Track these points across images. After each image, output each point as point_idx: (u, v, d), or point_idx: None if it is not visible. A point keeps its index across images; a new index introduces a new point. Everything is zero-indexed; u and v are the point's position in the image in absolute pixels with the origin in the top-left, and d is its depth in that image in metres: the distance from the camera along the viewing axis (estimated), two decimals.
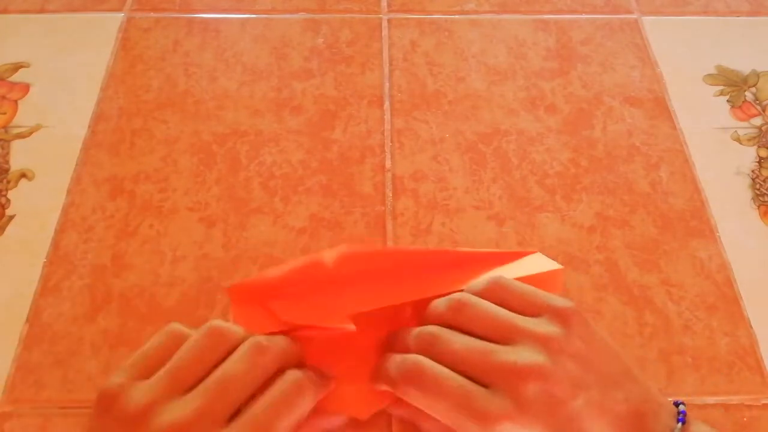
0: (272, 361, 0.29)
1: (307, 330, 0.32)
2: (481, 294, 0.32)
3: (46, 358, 0.36)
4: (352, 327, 0.31)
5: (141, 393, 0.27)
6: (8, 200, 0.42)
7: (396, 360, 0.31)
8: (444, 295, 0.32)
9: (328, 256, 0.34)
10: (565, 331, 0.30)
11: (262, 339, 0.29)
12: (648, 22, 0.52)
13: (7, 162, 0.43)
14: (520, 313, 0.31)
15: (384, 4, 0.53)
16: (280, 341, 0.30)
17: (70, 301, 0.38)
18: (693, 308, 0.38)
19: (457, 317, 0.31)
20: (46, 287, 0.38)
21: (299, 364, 0.31)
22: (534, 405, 0.28)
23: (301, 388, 0.29)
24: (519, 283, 0.33)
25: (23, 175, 0.43)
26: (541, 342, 0.30)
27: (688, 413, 0.29)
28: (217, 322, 0.30)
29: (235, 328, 0.30)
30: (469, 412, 0.28)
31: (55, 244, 0.40)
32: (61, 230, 0.40)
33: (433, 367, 0.29)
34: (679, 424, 0.28)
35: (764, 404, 0.35)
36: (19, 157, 0.44)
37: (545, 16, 0.52)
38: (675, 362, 0.36)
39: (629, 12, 0.53)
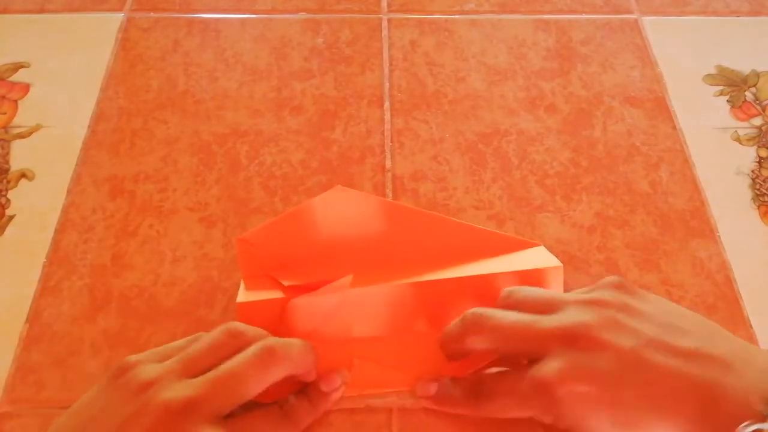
0: (281, 368, 0.29)
1: (309, 289, 0.33)
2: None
3: (46, 358, 0.36)
4: (348, 280, 0.33)
5: (151, 369, 0.28)
6: (8, 200, 0.42)
7: (456, 320, 0.32)
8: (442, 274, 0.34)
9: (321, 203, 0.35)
10: (614, 293, 0.30)
11: (274, 343, 0.29)
12: (648, 22, 0.52)
13: (7, 162, 0.43)
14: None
15: (384, 4, 0.53)
16: (293, 348, 0.30)
17: (70, 301, 0.38)
18: (693, 308, 0.38)
19: (504, 301, 0.32)
20: (46, 287, 0.38)
21: (310, 373, 0.32)
22: (585, 358, 0.27)
23: (273, 353, 0.29)
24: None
25: (23, 175, 0.43)
26: (587, 303, 0.29)
27: None
28: (236, 324, 0.31)
29: (253, 330, 0.31)
30: (520, 385, 0.29)
31: (55, 244, 0.40)
32: (61, 230, 0.40)
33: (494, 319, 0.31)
34: None
35: None
36: (19, 157, 0.44)
37: (545, 16, 0.52)
38: None
39: (629, 12, 0.53)
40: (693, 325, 0.28)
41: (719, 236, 0.41)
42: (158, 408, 0.26)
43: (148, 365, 0.28)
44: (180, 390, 0.27)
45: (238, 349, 0.29)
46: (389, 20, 0.52)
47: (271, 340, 0.30)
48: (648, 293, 0.31)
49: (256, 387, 0.28)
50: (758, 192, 0.43)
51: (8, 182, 0.43)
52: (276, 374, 0.29)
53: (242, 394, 0.28)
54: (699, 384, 0.25)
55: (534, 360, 0.29)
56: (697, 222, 0.42)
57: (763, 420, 0.22)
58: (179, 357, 0.29)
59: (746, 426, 0.22)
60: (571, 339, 0.28)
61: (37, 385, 0.35)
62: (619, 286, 0.30)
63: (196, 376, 0.28)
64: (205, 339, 0.30)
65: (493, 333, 0.30)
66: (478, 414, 0.31)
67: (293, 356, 0.30)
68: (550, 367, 0.28)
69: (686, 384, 0.25)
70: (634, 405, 0.26)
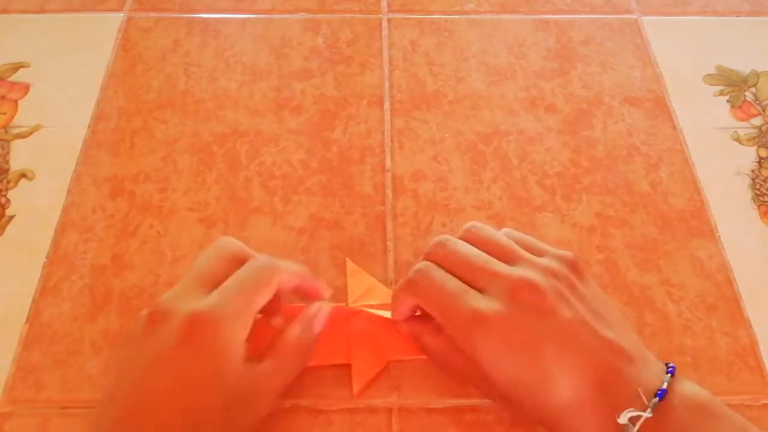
0: (283, 280, 0.33)
1: None
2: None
3: (46, 358, 0.36)
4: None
5: (169, 296, 0.31)
6: (8, 200, 0.42)
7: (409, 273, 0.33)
8: None
9: None
10: (565, 269, 0.32)
11: (272, 260, 0.33)
12: (648, 22, 0.52)
13: (7, 162, 0.43)
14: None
15: (384, 4, 0.53)
16: (290, 265, 0.34)
17: (70, 301, 0.38)
18: (693, 308, 0.38)
19: (466, 234, 0.34)
20: (46, 287, 0.38)
21: (306, 279, 0.35)
22: (523, 310, 0.29)
23: (268, 268, 0.32)
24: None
25: (23, 175, 0.43)
26: (540, 268, 0.31)
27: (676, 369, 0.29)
28: (226, 238, 0.34)
29: (240, 243, 0.33)
30: (460, 307, 0.30)
31: (55, 244, 0.40)
32: (61, 230, 0.40)
33: (434, 269, 0.32)
34: (668, 375, 0.29)
35: (764, 404, 0.35)
36: (19, 157, 0.44)
37: (545, 16, 0.52)
38: (675, 362, 0.36)
39: (629, 12, 0.53)
40: (614, 319, 0.31)
41: (719, 236, 0.41)
42: (184, 320, 0.28)
43: (164, 296, 0.30)
44: (199, 302, 0.29)
45: (239, 262, 0.32)
46: (389, 20, 0.52)
47: (268, 258, 0.33)
48: (590, 279, 0.33)
49: (265, 295, 0.31)
50: (758, 192, 0.43)
51: (8, 182, 0.43)
52: (277, 285, 0.32)
53: (252, 298, 0.31)
54: (608, 366, 0.28)
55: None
56: (697, 222, 0.42)
57: (644, 409, 0.27)
58: (189, 277, 0.31)
59: (630, 411, 0.27)
60: (518, 290, 0.30)
61: (37, 385, 0.35)
62: (572, 264, 0.32)
63: (210, 291, 0.30)
64: (207, 256, 0.32)
65: (450, 256, 0.32)
66: (434, 345, 0.33)
67: (287, 267, 0.33)
68: (490, 305, 0.30)
69: (598, 362, 0.29)
70: (547, 363, 0.29)
